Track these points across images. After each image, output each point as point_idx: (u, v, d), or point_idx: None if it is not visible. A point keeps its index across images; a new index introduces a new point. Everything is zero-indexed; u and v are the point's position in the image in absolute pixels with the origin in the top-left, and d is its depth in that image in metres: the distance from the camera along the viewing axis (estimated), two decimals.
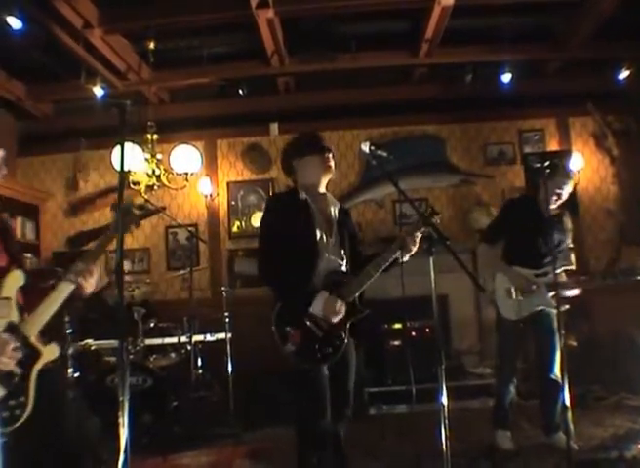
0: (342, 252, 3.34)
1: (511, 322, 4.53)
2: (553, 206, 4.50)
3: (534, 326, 4.52)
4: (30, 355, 2.55)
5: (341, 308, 3.11)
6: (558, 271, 4.27)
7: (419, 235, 3.09)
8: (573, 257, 4.63)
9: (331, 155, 3.32)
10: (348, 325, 3.17)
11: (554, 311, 4.30)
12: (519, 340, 4.67)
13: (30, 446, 2.57)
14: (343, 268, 3.32)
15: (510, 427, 4.67)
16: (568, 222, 4.69)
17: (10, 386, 2.47)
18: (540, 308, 4.42)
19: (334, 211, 3.39)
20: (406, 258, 3.14)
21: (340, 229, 3.35)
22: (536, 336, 4.59)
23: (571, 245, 4.69)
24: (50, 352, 2.64)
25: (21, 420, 2.46)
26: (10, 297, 2.56)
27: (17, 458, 2.60)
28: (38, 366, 2.57)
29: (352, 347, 3.32)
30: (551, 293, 4.33)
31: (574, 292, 4.38)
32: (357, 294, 3.20)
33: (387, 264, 3.13)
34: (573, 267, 4.55)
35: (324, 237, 3.26)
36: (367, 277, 3.15)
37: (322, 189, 3.39)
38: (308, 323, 3.13)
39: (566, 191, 4.47)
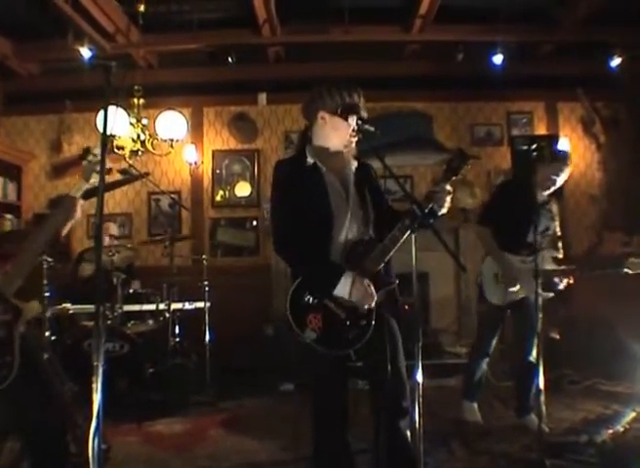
0: (366, 215, 2.94)
1: (494, 305, 4.53)
2: (546, 192, 4.50)
3: (515, 310, 4.52)
4: (12, 314, 2.52)
5: (372, 290, 2.72)
6: (546, 258, 4.37)
7: (448, 187, 2.77)
8: (560, 245, 4.60)
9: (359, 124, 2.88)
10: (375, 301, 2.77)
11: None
12: (499, 322, 4.67)
13: (16, 405, 2.56)
14: (371, 232, 2.92)
15: (478, 400, 4.75)
16: (555, 210, 4.68)
17: None
18: (523, 296, 4.40)
19: (350, 170, 3.01)
20: (442, 212, 2.79)
21: (359, 190, 2.97)
22: (516, 320, 4.60)
23: (559, 233, 4.64)
24: (30, 309, 2.62)
25: (8, 380, 2.44)
26: None
27: (5, 419, 2.60)
28: (21, 324, 2.54)
29: (391, 325, 2.89)
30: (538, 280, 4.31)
31: (563, 284, 4.35)
32: (383, 264, 2.79)
33: (415, 225, 2.64)
34: (560, 255, 4.54)
35: (340, 203, 2.88)
36: (393, 243, 2.74)
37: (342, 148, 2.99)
38: (330, 305, 2.77)
39: (561, 179, 4.45)
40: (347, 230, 2.88)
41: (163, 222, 7.63)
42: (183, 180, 7.82)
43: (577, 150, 7.77)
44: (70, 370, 4.00)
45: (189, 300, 6.04)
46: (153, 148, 6.02)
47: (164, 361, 5.58)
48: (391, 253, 2.79)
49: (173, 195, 7.03)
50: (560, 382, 5.68)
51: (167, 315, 5.71)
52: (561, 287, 4.37)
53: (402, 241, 2.71)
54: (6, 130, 7.91)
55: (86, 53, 6.24)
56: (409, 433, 2.87)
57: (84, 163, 2.87)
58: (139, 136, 5.86)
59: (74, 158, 7.81)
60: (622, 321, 5.99)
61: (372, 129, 2.84)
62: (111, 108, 2.35)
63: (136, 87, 5.95)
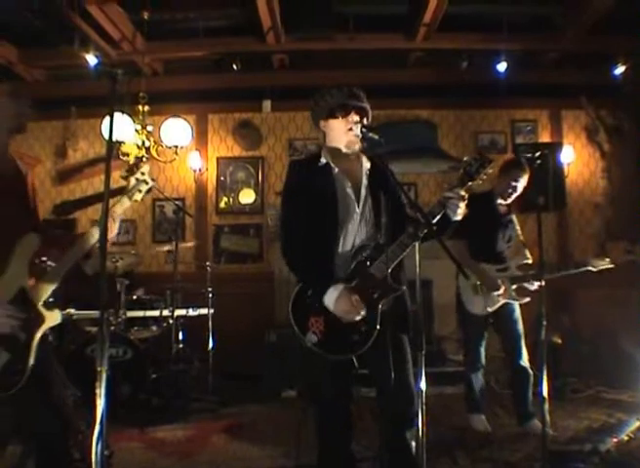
0: (378, 219, 2.86)
1: (475, 315, 4.64)
2: (509, 200, 4.63)
3: (498, 317, 4.64)
4: (35, 320, 2.54)
5: (358, 305, 2.69)
6: (517, 265, 4.61)
7: (463, 193, 2.76)
8: (527, 252, 4.73)
9: (357, 118, 2.90)
10: (380, 306, 2.74)
11: (517, 303, 4.59)
12: (482, 331, 4.74)
13: (19, 409, 2.57)
14: (380, 237, 2.83)
15: (484, 411, 4.76)
16: (514, 218, 4.82)
17: (14, 352, 2.46)
18: (504, 302, 4.56)
19: (362, 173, 2.98)
20: (457, 219, 2.77)
21: (373, 194, 2.92)
22: (501, 327, 4.71)
23: (522, 238, 4.81)
24: (52, 318, 2.64)
25: (19, 386, 2.45)
26: (24, 261, 2.56)
27: (8, 423, 2.61)
28: (40, 332, 2.56)
29: (398, 333, 2.82)
30: (514, 286, 4.54)
31: (536, 285, 4.42)
32: (389, 270, 2.72)
33: (421, 234, 2.64)
34: (529, 261, 4.66)
35: (349, 207, 2.87)
36: (400, 249, 2.72)
37: (351, 149, 2.97)
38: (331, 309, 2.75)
39: (521, 184, 4.54)
40: (356, 234, 2.88)
41: (167, 229, 7.64)
42: (188, 187, 7.84)
43: (580, 158, 7.77)
44: (73, 375, 4.00)
45: (193, 307, 6.05)
46: (158, 155, 6.04)
47: (167, 367, 5.59)
48: (398, 260, 2.77)
49: (177, 202, 7.04)
50: (564, 390, 5.68)
51: (170, 321, 5.71)
52: (533, 289, 4.49)
53: (409, 248, 2.70)
54: None
55: (91, 59, 6.25)
56: (414, 443, 2.81)
57: (131, 180, 2.86)
58: (143, 143, 5.88)
59: (79, 164, 7.84)
60: (626, 329, 5.97)
61: (376, 137, 2.83)
62: (117, 115, 2.36)
63: (141, 94, 5.96)
